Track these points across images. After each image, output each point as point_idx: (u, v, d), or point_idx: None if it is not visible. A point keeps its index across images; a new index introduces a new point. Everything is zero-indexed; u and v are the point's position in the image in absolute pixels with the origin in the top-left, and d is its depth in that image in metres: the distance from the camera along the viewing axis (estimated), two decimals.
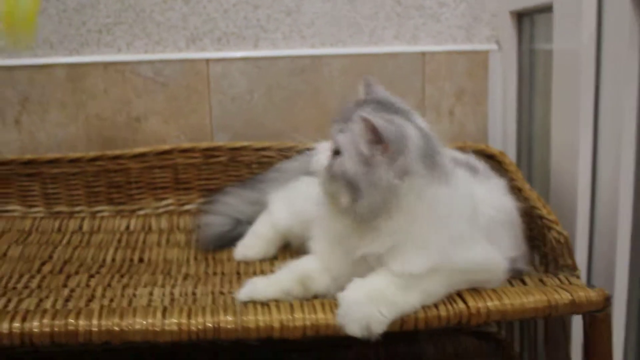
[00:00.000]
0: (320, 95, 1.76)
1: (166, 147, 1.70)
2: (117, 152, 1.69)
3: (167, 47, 1.74)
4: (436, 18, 1.76)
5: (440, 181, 1.08)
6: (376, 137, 1.03)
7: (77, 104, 1.74)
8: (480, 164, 1.34)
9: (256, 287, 1.11)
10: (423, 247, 1.07)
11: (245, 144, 1.70)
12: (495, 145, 1.76)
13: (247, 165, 1.71)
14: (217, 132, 1.77)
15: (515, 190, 1.49)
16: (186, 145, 1.70)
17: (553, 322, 1.32)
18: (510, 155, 1.73)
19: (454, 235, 1.10)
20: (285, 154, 1.68)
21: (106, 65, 1.73)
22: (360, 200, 1.05)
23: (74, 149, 1.76)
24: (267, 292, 1.10)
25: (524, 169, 1.74)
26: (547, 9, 1.51)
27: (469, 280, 1.14)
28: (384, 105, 1.10)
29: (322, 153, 1.11)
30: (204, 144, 1.70)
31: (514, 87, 1.75)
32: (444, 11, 1.76)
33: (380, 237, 1.08)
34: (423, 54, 1.77)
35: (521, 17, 1.72)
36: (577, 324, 1.43)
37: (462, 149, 1.69)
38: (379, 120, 1.03)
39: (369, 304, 1.04)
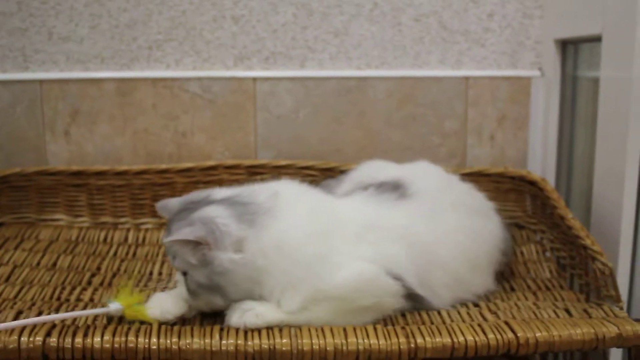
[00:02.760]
0: (365, 116, 1.79)
1: (212, 162, 1.72)
2: (163, 166, 1.72)
3: (215, 64, 1.77)
4: (481, 43, 1.78)
5: (268, 223, 1.13)
6: (192, 244, 1.10)
7: (125, 118, 1.78)
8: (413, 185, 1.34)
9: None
10: (290, 287, 1.12)
11: (289, 162, 1.73)
12: (534, 170, 1.78)
13: None
14: (261, 149, 1.80)
15: (557, 218, 1.51)
16: (231, 161, 1.73)
17: (593, 352, 1.34)
18: (550, 182, 1.74)
19: (313, 260, 1.12)
20: (329, 173, 1.71)
21: (155, 80, 1.77)
22: (228, 292, 1.12)
23: (120, 161, 1.79)
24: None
25: (562, 195, 1.75)
26: (594, 39, 1.53)
27: (358, 307, 1.14)
28: (179, 213, 1.16)
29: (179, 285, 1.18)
30: (249, 161, 1.73)
31: (556, 113, 1.76)
32: (488, 37, 1.78)
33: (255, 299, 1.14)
34: (467, 78, 1.79)
35: (565, 45, 1.73)
36: (615, 353, 1.44)
37: (503, 175, 1.72)
38: (181, 232, 1.10)
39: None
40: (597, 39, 1.51)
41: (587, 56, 1.69)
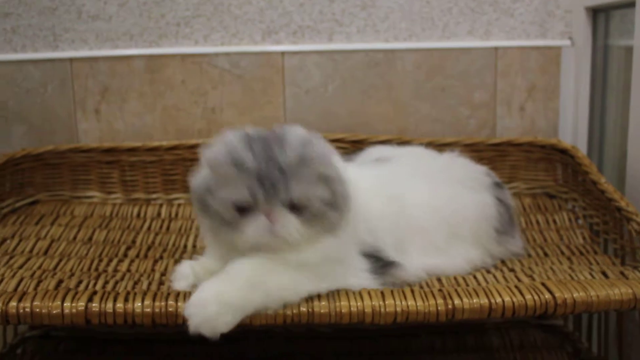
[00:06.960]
0: (393, 89, 1.79)
1: None
2: (194, 141, 1.73)
3: (244, 39, 1.78)
4: (510, 13, 1.77)
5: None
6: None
7: (154, 95, 1.79)
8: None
9: None
10: None
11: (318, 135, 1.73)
12: (565, 141, 1.77)
13: None
14: (290, 123, 1.79)
15: (590, 184, 1.51)
16: None
17: (628, 316, 1.33)
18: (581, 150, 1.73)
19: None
20: (358, 146, 1.71)
21: (184, 57, 1.78)
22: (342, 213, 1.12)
23: (150, 138, 1.81)
24: None
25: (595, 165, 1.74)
26: (626, 5, 1.52)
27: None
28: None
29: (272, 223, 1.08)
30: None
31: (587, 83, 1.75)
32: (517, 6, 1.77)
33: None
34: (496, 49, 1.78)
35: (596, 13, 1.72)
36: None
37: (533, 144, 1.72)
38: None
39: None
40: (629, 5, 1.49)
41: (618, 24, 1.67)
